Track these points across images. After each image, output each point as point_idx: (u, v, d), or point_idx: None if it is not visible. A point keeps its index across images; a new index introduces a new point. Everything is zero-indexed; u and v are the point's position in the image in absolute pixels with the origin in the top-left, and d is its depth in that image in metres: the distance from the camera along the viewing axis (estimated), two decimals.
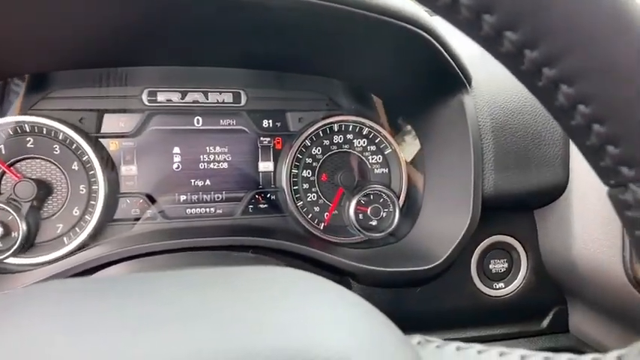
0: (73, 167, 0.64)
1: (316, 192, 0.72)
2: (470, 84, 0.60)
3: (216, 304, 0.27)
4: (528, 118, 0.61)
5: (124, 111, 0.67)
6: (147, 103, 0.67)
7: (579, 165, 0.60)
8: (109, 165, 0.66)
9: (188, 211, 0.70)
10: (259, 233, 0.65)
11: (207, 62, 0.66)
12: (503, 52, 0.26)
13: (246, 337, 0.24)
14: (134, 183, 0.68)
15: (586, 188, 0.60)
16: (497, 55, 0.26)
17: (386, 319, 0.31)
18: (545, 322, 0.68)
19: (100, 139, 0.66)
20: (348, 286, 0.63)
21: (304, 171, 0.71)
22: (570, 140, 0.62)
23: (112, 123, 0.67)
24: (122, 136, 0.67)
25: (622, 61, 0.23)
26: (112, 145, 0.67)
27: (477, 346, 0.32)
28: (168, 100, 0.68)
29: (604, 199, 0.61)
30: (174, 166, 0.69)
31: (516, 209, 0.66)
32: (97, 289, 0.28)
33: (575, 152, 0.61)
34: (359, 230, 0.70)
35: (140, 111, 0.67)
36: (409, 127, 0.70)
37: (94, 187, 0.65)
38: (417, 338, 0.33)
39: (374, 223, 0.71)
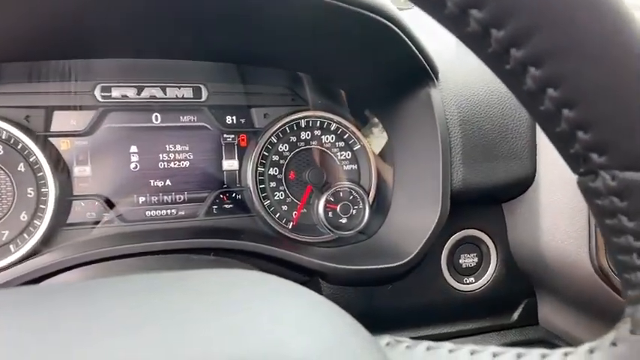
0: (19, 169, 0.60)
1: (284, 190, 0.69)
2: (437, 77, 0.59)
3: (166, 310, 0.25)
4: (495, 111, 0.61)
5: (75, 108, 0.63)
6: (100, 99, 0.63)
7: (546, 157, 0.61)
8: (60, 166, 0.62)
9: (148, 213, 0.66)
10: (224, 234, 0.62)
11: (164, 54, 0.62)
12: (470, 33, 0.24)
13: (199, 344, 0.22)
14: (88, 185, 0.64)
15: (553, 180, 0.60)
16: (462, 36, 0.25)
17: (351, 320, 0.29)
18: (516, 315, 0.69)
19: (50, 139, 0.62)
20: (318, 287, 0.61)
21: (271, 169, 0.69)
22: (537, 131, 0.62)
23: (62, 121, 0.62)
24: (74, 135, 0.63)
25: (592, 41, 0.22)
26: (63, 145, 0.63)
27: (448, 345, 0.31)
28: (124, 96, 0.64)
29: (570, 190, 0.62)
30: (132, 166, 0.65)
31: (485, 203, 0.65)
32: (40, 298, 0.26)
33: (542, 144, 0.61)
34: (328, 229, 0.68)
35: (93, 108, 0.63)
36: (376, 120, 0.69)
37: (43, 190, 0.60)
38: (385, 339, 0.31)
39: (344, 220, 0.69)
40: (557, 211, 0.58)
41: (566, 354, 0.30)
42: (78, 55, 0.60)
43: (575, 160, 0.26)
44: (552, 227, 0.59)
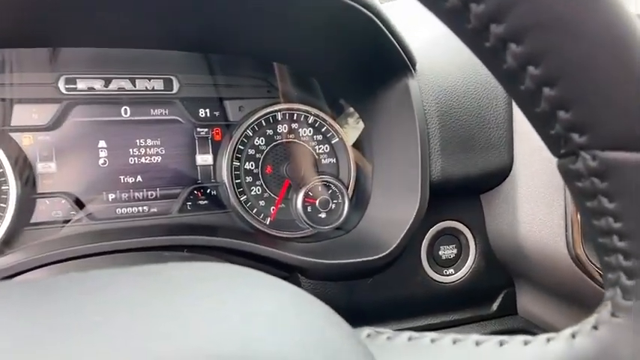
0: None
1: (261, 185, 0.67)
2: (414, 68, 0.58)
3: (132, 305, 0.23)
4: (472, 102, 0.60)
5: (37, 101, 0.60)
6: (64, 91, 0.60)
7: (523, 148, 0.61)
8: (22, 162, 0.59)
9: (118, 210, 0.63)
10: (199, 231, 0.60)
11: (131, 44, 0.60)
12: (448, 8, 0.23)
13: (172, 340, 0.20)
14: (53, 182, 0.60)
15: (529, 171, 0.60)
16: (441, 12, 0.24)
17: (331, 312, 0.28)
18: (495, 306, 0.69)
19: (10, 133, 0.59)
20: (297, 283, 0.60)
21: (247, 163, 0.67)
22: (514, 121, 0.62)
23: (23, 115, 0.59)
24: (36, 130, 0.60)
25: (573, 16, 0.22)
26: (25, 140, 0.60)
27: (430, 335, 0.30)
28: (90, 88, 0.61)
29: (547, 180, 0.62)
30: (100, 161, 0.62)
31: (463, 194, 0.65)
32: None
33: (519, 134, 0.61)
34: (307, 223, 0.66)
35: (57, 101, 0.60)
36: (352, 110, 0.68)
37: (3, 188, 0.57)
38: (366, 331, 0.30)
39: (323, 215, 0.68)
40: (534, 202, 0.59)
41: (548, 339, 0.29)
42: (39, 44, 0.57)
43: (555, 142, 0.25)
44: (529, 217, 0.60)
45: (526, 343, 0.29)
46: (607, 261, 0.28)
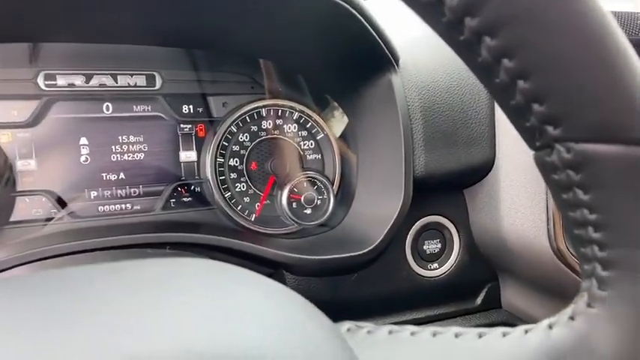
0: None
1: (245, 181, 0.67)
2: (397, 63, 0.58)
3: (104, 302, 0.23)
4: (455, 97, 0.61)
5: (16, 97, 0.58)
6: (44, 87, 0.59)
7: (505, 142, 0.61)
8: (1, 160, 0.58)
9: (100, 208, 0.62)
10: (183, 228, 0.60)
11: (113, 39, 0.59)
12: (424, 2, 0.23)
13: (150, 337, 0.20)
14: (34, 179, 0.59)
15: (511, 165, 0.61)
16: (417, 5, 0.24)
17: (310, 306, 0.28)
18: (479, 300, 0.70)
19: None
20: (282, 279, 0.60)
21: (231, 159, 0.66)
22: (496, 116, 0.63)
23: (2, 111, 0.58)
24: (16, 127, 0.59)
25: (547, 9, 0.22)
26: (3, 137, 0.58)
27: (410, 328, 0.30)
28: (71, 85, 0.60)
29: (528, 174, 0.63)
30: (82, 159, 0.61)
31: (447, 189, 0.66)
32: None
33: (501, 129, 0.62)
34: (292, 220, 0.66)
35: (36, 97, 0.59)
36: (336, 104, 0.68)
37: None
38: (346, 325, 0.30)
39: (308, 211, 0.68)
40: (516, 196, 0.59)
41: (526, 331, 0.30)
42: (17, 39, 0.56)
43: (531, 135, 0.26)
44: (512, 212, 0.60)
45: (504, 334, 0.30)
46: (583, 252, 0.28)
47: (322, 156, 0.70)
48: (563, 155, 0.25)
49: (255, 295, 0.27)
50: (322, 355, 0.22)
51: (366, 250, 0.56)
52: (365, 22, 0.52)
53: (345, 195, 0.69)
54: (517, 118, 0.26)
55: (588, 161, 0.24)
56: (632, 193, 0.24)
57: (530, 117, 0.25)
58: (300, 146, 0.70)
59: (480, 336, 0.29)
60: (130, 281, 0.26)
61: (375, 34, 0.53)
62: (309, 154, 0.70)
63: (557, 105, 0.23)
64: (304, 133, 0.70)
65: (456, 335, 0.29)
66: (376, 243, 0.56)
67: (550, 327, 0.29)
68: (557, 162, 0.25)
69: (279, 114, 0.69)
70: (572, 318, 0.29)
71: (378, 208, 0.61)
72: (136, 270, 0.27)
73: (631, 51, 0.24)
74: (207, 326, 0.22)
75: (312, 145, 0.70)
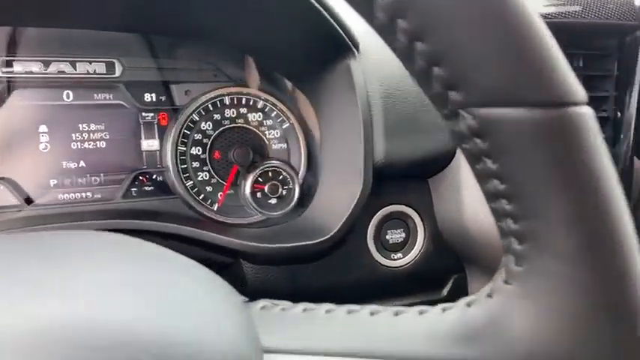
0: None
1: (208, 171, 0.66)
2: (357, 49, 0.57)
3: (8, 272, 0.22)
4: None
5: None
6: (1, 74, 0.59)
7: None
8: None
9: (60, 197, 0.62)
10: (142, 217, 0.59)
11: (70, 23, 0.58)
12: None
13: (45, 308, 0.20)
14: None
15: None
16: None
17: (216, 282, 0.27)
18: (445, 291, 0.69)
19: None
20: (240, 268, 0.59)
21: (193, 148, 0.66)
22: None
23: None
24: None
25: None
26: None
27: (326, 306, 0.29)
28: (28, 72, 0.60)
29: None
30: (41, 146, 0.61)
31: (410, 178, 0.65)
32: None
33: None
34: (256, 209, 0.66)
35: None
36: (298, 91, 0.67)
37: None
38: (261, 303, 0.29)
39: (273, 201, 0.67)
40: (478, 185, 0.58)
41: (444, 309, 0.29)
42: None
43: (438, 102, 0.25)
44: (474, 201, 0.60)
45: (421, 312, 0.29)
46: (500, 226, 0.27)
47: (288, 145, 0.70)
48: (469, 122, 0.24)
49: (159, 269, 0.26)
50: (207, 328, 0.22)
51: (322, 239, 0.55)
52: (319, 7, 0.51)
53: (311, 184, 0.68)
54: (424, 84, 0.25)
55: (492, 127, 0.23)
56: (538, 159, 0.23)
57: (433, 82, 0.24)
58: (265, 135, 0.69)
59: (396, 314, 0.29)
60: (33, 254, 0.25)
61: (330, 19, 0.53)
62: (275, 144, 0.69)
63: (455, 67, 0.22)
64: (269, 122, 0.69)
65: (371, 313, 0.29)
66: (333, 232, 0.56)
67: (468, 305, 0.29)
68: (465, 130, 0.24)
69: (243, 102, 0.68)
70: (489, 295, 0.28)
71: (338, 197, 0.60)
72: (41, 242, 0.27)
73: (533, 13, 0.23)
74: (105, 298, 0.22)
75: (277, 134, 0.69)
